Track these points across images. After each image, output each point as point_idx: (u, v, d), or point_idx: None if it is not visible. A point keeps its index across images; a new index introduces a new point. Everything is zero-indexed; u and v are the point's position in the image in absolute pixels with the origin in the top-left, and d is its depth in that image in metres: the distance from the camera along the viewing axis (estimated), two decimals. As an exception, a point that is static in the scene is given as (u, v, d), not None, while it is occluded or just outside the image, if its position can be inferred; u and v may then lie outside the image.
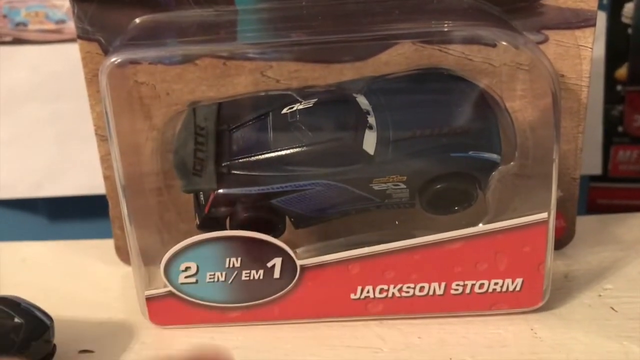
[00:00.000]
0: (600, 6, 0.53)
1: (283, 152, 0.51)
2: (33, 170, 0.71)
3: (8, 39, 0.68)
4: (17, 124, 0.70)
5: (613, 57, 0.69)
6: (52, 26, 0.68)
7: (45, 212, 0.76)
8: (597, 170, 0.73)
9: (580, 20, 0.53)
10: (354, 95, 0.53)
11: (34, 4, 0.68)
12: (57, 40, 0.68)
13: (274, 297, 0.52)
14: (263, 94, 0.54)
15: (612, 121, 0.71)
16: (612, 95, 0.70)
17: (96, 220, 0.66)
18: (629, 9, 0.68)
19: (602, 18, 0.67)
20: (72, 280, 0.61)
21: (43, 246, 0.66)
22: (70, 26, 0.67)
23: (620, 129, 0.72)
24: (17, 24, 0.68)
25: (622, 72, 0.70)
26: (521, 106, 0.53)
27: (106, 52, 0.53)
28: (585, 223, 0.62)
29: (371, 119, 0.52)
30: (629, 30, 0.69)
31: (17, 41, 0.68)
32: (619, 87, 0.70)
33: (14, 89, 0.69)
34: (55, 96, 0.69)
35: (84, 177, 0.70)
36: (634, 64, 0.70)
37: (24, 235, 0.69)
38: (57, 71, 0.68)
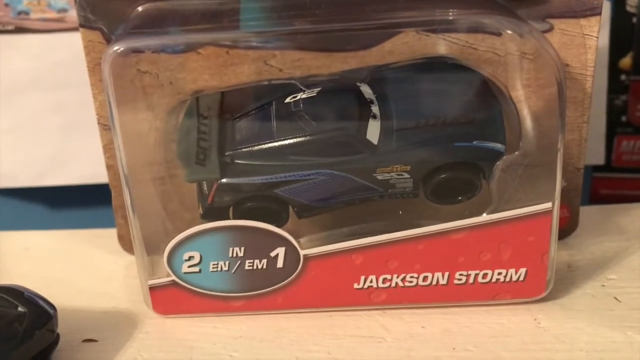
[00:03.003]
0: (605, -5, 0.53)
1: (286, 142, 0.51)
2: (36, 159, 0.71)
3: (10, 27, 0.68)
4: (20, 113, 0.70)
5: (617, 47, 0.69)
6: (54, 15, 0.68)
7: (48, 201, 0.76)
8: (600, 160, 0.72)
9: (585, 9, 0.52)
10: (358, 84, 0.53)
11: (36, -8, 0.68)
12: (59, 29, 0.68)
13: (277, 286, 0.52)
14: (266, 83, 0.54)
15: (615, 111, 0.71)
16: (616, 84, 0.70)
17: (99, 209, 0.66)
18: (634, -2, 0.68)
19: (606, 7, 0.66)
20: (75, 270, 0.61)
21: (46, 235, 0.66)
22: (73, 15, 0.66)
23: (623, 118, 0.72)
24: (19, 13, 0.68)
25: (626, 61, 0.70)
26: (525, 95, 0.53)
27: (108, 41, 0.53)
28: (588, 213, 0.62)
29: (375, 109, 0.52)
30: (634, 20, 0.68)
31: (19, 30, 0.68)
32: (622, 77, 0.70)
33: (16, 78, 0.69)
34: (58, 85, 0.69)
35: (87, 166, 0.70)
36: (638, 54, 0.69)
37: (26, 225, 0.69)
38: (60, 60, 0.68)
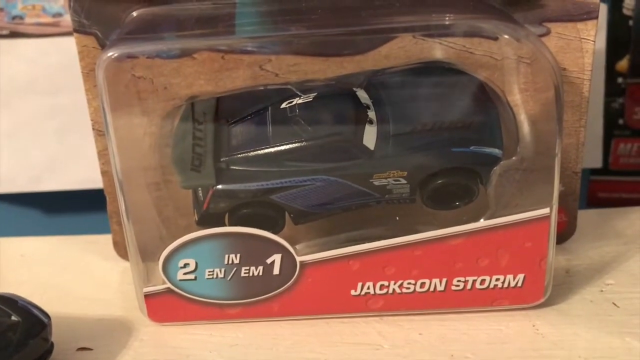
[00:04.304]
0: (602, -2, 0.53)
1: (282, 147, 0.51)
2: (32, 164, 0.71)
3: (5, 32, 0.68)
4: (16, 118, 0.69)
5: (614, 50, 0.69)
6: (49, 19, 0.68)
7: (44, 206, 0.75)
8: (597, 163, 0.72)
9: (582, 13, 0.52)
10: (354, 89, 0.52)
11: (31, -4, 0.67)
12: (54, 34, 0.68)
13: (273, 293, 0.52)
14: (262, 88, 0.54)
15: (612, 114, 0.71)
16: (612, 87, 0.70)
17: (96, 215, 0.66)
18: (630, 0, 0.68)
19: (603, 10, 0.66)
20: (71, 276, 0.61)
21: (41, 241, 0.66)
22: (68, 19, 0.66)
23: (620, 121, 0.72)
24: (14, 17, 0.68)
25: (623, 64, 0.70)
26: (523, 100, 0.53)
27: (103, 46, 0.53)
28: (586, 217, 0.62)
29: (371, 114, 0.51)
30: (630, 22, 0.68)
31: (14, 34, 0.68)
32: (619, 80, 0.70)
33: (11, 83, 0.69)
34: (54, 90, 0.69)
35: (83, 171, 0.70)
36: (635, 56, 0.69)
37: (22, 230, 0.69)
38: (55, 64, 0.68)
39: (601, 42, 0.67)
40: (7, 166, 0.71)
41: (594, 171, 0.73)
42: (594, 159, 0.72)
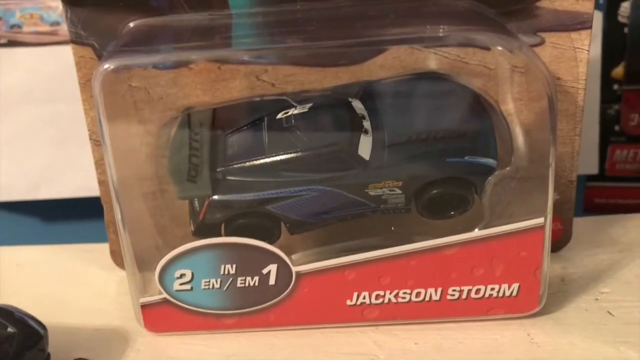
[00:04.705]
0: (597, 5, 0.53)
1: (278, 158, 0.51)
2: (29, 172, 0.71)
3: (3, 41, 0.68)
4: (13, 126, 0.70)
5: (609, 57, 0.69)
6: (47, 28, 0.68)
7: (42, 214, 0.75)
8: (593, 169, 0.72)
9: (576, 23, 0.52)
10: (350, 99, 0.53)
11: (29, 5, 0.68)
12: (52, 42, 0.68)
13: (269, 303, 0.52)
14: (258, 98, 0.54)
15: (608, 120, 0.71)
16: (608, 94, 0.70)
17: (94, 223, 0.66)
18: (625, 8, 0.68)
19: (598, 17, 0.66)
20: (67, 286, 0.61)
21: (37, 250, 0.66)
22: (66, 28, 0.66)
23: (617, 128, 0.72)
24: (12, 26, 0.68)
25: (618, 71, 0.70)
26: (517, 109, 0.53)
27: (100, 57, 0.53)
28: (582, 225, 0.61)
29: (366, 124, 0.52)
30: (625, 30, 0.68)
31: (12, 43, 0.68)
32: (615, 86, 0.70)
33: (9, 91, 0.69)
34: (51, 98, 0.69)
35: (81, 180, 0.70)
36: (630, 63, 0.69)
37: (19, 239, 0.69)
38: (53, 73, 0.68)
39: (597, 49, 0.68)
40: (4, 174, 0.71)
41: (590, 177, 0.73)
42: (590, 165, 0.72)
